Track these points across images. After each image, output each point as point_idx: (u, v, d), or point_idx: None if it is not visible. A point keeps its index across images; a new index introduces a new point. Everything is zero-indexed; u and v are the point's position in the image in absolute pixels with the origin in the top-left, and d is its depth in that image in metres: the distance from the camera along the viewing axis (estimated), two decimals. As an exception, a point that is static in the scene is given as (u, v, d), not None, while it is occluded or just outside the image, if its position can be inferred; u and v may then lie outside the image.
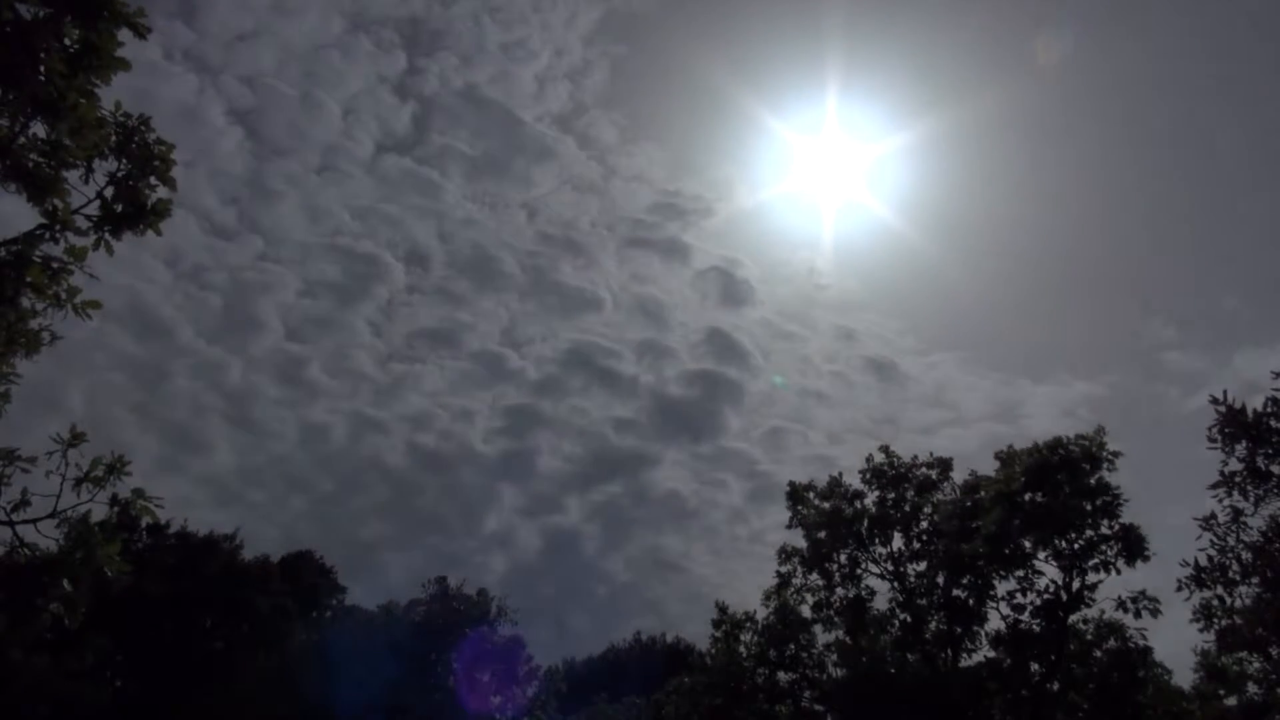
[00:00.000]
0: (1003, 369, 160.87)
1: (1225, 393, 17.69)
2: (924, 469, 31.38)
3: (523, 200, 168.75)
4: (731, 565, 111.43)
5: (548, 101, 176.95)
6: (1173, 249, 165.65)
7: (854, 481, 31.82)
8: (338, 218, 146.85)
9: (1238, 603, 18.76)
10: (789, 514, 31.96)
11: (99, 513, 9.67)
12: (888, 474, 31.39)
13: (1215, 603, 18.85)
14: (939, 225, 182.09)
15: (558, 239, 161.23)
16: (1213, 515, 18.07)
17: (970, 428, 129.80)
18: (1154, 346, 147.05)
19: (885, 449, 31.90)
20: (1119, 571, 25.47)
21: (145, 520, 10.45)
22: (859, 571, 30.88)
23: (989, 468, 29.39)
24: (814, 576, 31.39)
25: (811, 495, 31.90)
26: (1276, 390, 17.22)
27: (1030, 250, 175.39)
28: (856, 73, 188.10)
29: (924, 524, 30.69)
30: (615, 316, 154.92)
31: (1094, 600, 26.27)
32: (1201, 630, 19.57)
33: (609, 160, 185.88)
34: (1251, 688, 25.34)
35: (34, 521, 9.57)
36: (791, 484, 32.12)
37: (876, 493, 31.41)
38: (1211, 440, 17.85)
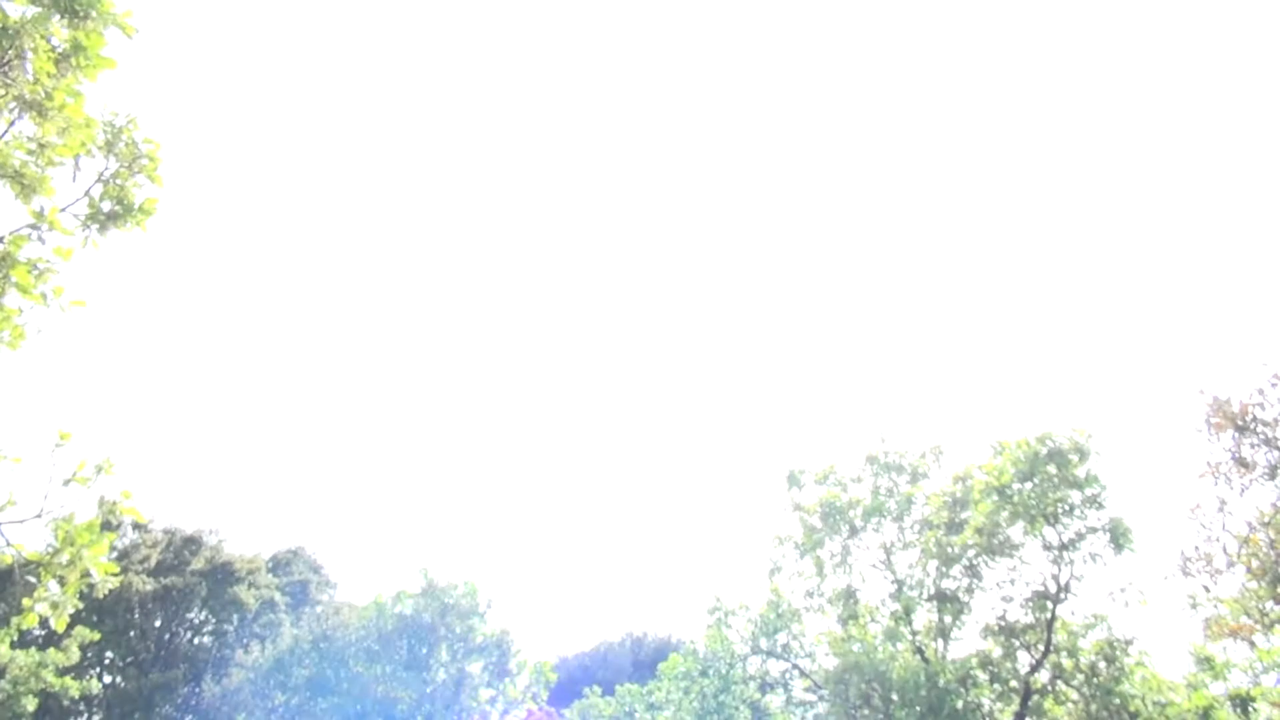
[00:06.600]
0: (997, 362, 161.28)
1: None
2: (917, 456, 31.54)
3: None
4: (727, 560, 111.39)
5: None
6: (1169, 239, 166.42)
7: (850, 468, 32.04)
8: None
9: (1223, 591, 18.95)
10: (786, 499, 32.14)
11: (85, 513, 9.62)
12: (881, 460, 31.54)
13: (1201, 591, 19.05)
14: (934, 214, 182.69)
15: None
16: (1198, 505, 18.22)
17: (964, 421, 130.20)
18: (1148, 337, 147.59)
19: (882, 437, 32.10)
20: (1106, 564, 25.59)
21: (130, 517, 10.39)
22: (850, 560, 31.02)
23: (981, 460, 29.48)
24: (806, 563, 31.51)
25: (807, 478, 32.00)
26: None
27: (1026, 240, 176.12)
28: (854, 66, 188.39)
29: (915, 514, 30.82)
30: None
31: (1081, 591, 26.42)
32: (1188, 619, 19.78)
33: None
34: (1237, 675, 25.54)
35: (21, 522, 9.51)
36: (790, 470, 32.32)
37: (871, 480, 31.57)
38: (1198, 430, 18.00)
